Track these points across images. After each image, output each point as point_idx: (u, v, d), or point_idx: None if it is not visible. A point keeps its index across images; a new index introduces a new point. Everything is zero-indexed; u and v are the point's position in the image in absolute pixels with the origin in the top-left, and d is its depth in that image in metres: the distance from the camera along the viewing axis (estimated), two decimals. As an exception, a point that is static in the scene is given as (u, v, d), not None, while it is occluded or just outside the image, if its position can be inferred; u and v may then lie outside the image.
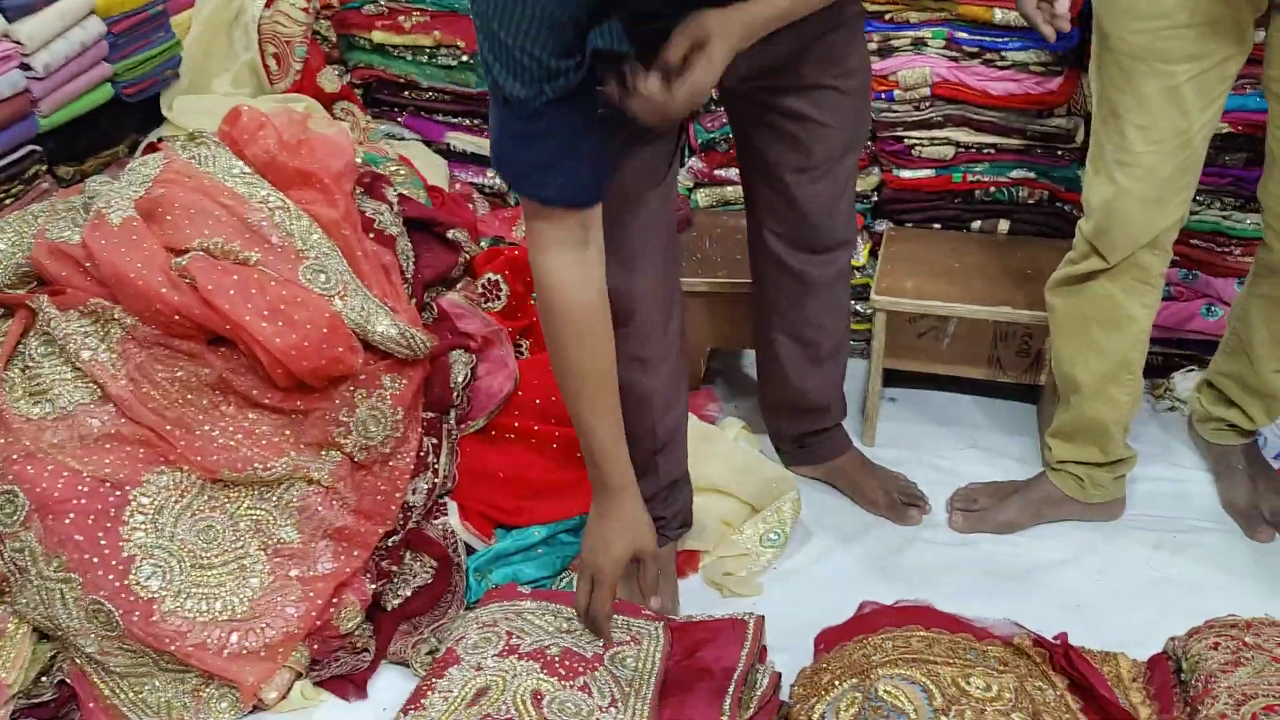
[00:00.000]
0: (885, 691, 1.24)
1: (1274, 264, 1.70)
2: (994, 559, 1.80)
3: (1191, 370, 2.19)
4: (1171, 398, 2.17)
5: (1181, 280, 2.14)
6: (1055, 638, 1.34)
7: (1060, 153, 2.16)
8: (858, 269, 2.26)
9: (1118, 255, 1.61)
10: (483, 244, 2.10)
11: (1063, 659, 1.30)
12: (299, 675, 1.55)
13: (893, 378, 2.19)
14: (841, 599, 1.60)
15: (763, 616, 1.54)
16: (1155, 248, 1.62)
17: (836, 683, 1.28)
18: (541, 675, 1.37)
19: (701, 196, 2.34)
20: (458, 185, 2.41)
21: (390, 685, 1.57)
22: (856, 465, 1.95)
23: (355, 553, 1.64)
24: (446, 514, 1.75)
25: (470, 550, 1.74)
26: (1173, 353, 2.22)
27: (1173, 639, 1.39)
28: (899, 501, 1.89)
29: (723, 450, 1.92)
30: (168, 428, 1.56)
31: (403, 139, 2.49)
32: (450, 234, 1.99)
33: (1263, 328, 1.76)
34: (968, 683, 1.26)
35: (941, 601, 1.53)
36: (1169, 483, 1.97)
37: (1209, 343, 2.09)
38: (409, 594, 1.67)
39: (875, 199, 2.29)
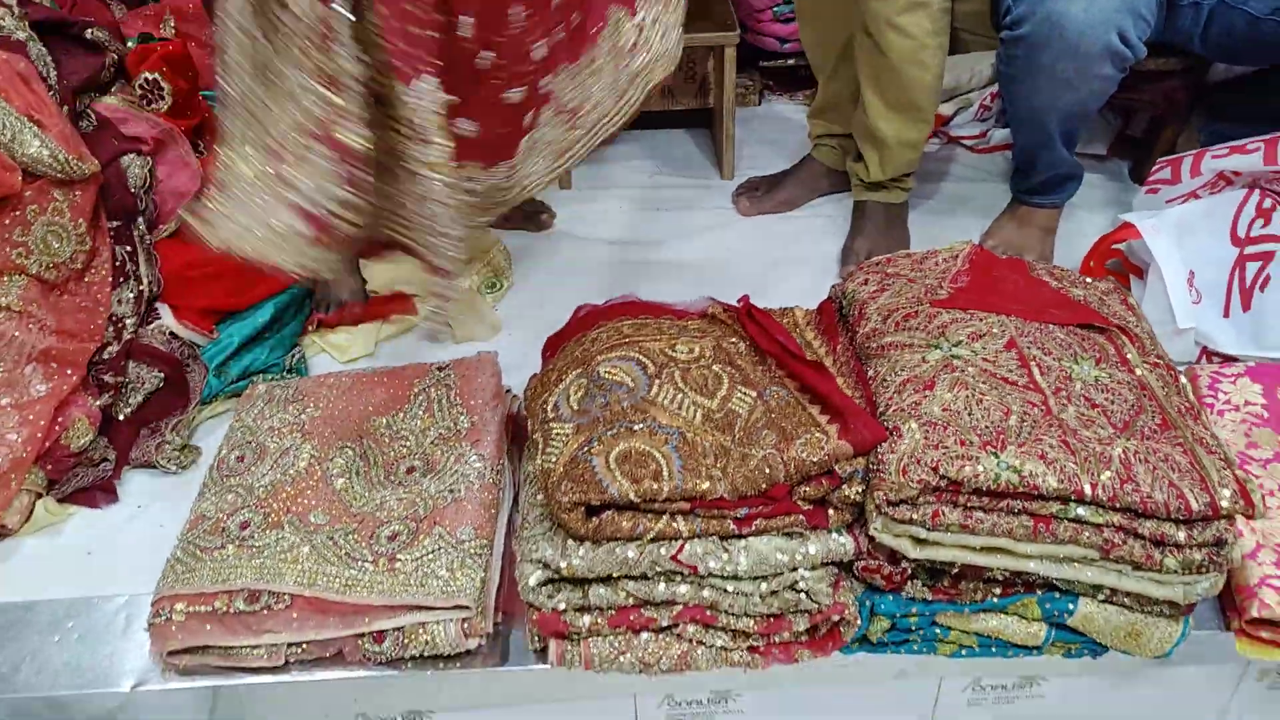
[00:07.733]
0: (605, 372, 1.39)
1: None
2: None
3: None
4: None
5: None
6: (738, 301, 1.53)
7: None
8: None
9: None
10: (130, 43, 1.96)
11: (745, 316, 1.50)
12: (39, 495, 1.53)
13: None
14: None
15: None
16: None
17: (563, 376, 1.42)
18: None
19: None
20: (88, -12, 2.20)
21: (140, 487, 1.58)
22: None
23: (68, 372, 1.59)
24: (160, 318, 1.71)
25: (195, 348, 1.73)
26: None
27: (834, 285, 1.63)
28: (528, 213, 2.08)
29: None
30: None
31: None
32: (89, 34, 1.84)
33: None
34: (674, 350, 1.43)
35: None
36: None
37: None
38: (141, 400, 1.65)
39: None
